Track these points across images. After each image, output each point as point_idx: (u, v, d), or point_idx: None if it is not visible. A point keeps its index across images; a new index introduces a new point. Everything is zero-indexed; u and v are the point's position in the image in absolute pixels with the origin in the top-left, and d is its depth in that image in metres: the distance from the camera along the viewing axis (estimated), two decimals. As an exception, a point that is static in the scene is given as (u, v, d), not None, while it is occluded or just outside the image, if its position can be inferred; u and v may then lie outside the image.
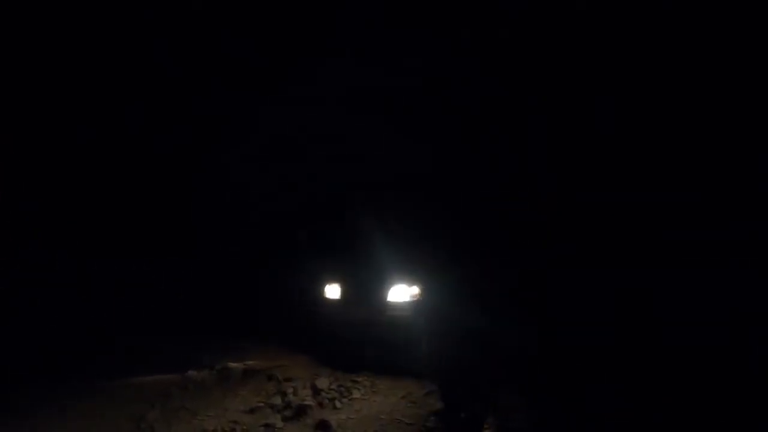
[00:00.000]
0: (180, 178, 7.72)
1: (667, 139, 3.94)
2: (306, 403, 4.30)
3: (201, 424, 4.03)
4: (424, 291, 5.04)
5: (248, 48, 7.01)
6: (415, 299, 5.13)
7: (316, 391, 4.58)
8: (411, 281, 5.20)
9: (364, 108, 7.39)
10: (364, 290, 5.40)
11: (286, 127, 7.89)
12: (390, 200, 6.62)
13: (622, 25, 4.47)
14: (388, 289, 5.23)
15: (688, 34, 3.87)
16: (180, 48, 6.93)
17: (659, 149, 3.97)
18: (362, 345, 5.27)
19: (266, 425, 3.97)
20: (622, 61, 4.43)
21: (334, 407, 4.34)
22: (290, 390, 4.63)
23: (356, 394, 4.58)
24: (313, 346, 5.76)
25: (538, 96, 5.37)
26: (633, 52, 4.30)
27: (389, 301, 5.20)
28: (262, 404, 4.41)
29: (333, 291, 5.68)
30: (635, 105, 4.20)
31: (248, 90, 7.45)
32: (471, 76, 6.83)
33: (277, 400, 4.44)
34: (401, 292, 5.20)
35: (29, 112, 6.66)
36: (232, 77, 7.44)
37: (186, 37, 6.90)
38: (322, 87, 7.48)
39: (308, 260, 6.51)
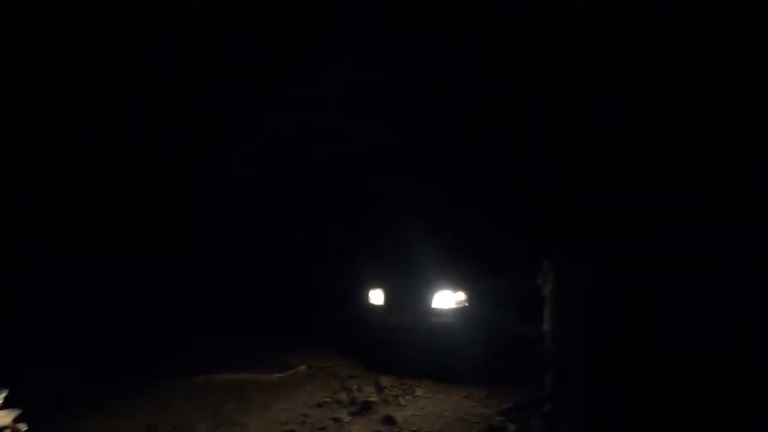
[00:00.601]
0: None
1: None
2: (371, 399, 4.57)
3: (274, 416, 4.26)
4: (470, 297, 5.30)
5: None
6: (460, 306, 5.28)
7: (379, 389, 4.86)
8: (455, 287, 5.37)
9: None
10: (408, 296, 5.55)
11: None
12: (433, 205, 6.77)
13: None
14: (432, 295, 5.39)
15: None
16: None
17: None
18: (407, 350, 5.40)
19: (334, 419, 4.20)
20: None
21: (399, 404, 4.58)
22: (355, 387, 4.91)
23: (419, 392, 4.84)
24: (359, 350, 5.89)
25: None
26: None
27: (433, 308, 5.35)
28: (329, 399, 4.67)
29: (377, 296, 5.82)
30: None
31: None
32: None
33: (343, 396, 4.72)
34: (446, 299, 5.36)
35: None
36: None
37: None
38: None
39: (354, 264, 6.65)
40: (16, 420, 2.72)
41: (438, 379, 5.04)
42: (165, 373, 5.15)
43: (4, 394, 2.66)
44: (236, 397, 4.61)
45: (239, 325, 6.88)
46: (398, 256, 6.22)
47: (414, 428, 3.99)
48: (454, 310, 5.28)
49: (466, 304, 5.30)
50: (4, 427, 2.66)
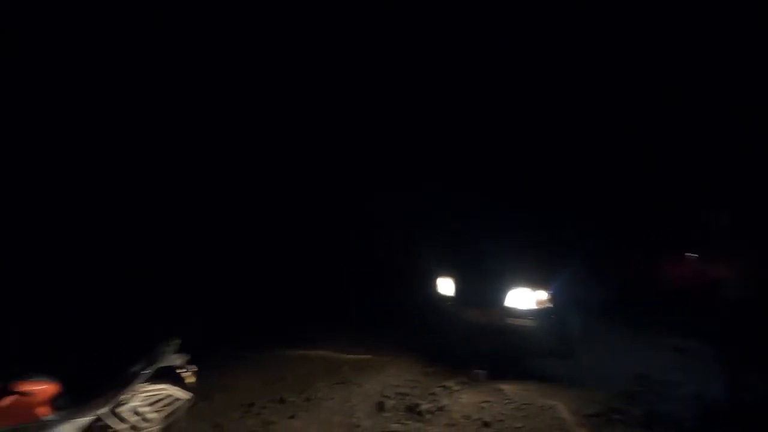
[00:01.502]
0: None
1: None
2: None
3: (385, 380, 4.49)
4: (554, 298, 4.55)
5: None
6: (541, 307, 4.58)
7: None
8: (536, 285, 4.64)
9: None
10: (481, 289, 4.92)
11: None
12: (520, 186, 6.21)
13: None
14: (507, 291, 4.70)
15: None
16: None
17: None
18: (481, 350, 4.87)
19: (443, 386, 4.29)
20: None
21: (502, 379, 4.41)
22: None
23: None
24: (427, 343, 5.36)
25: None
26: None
27: (508, 307, 4.67)
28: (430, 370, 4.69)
29: (446, 286, 5.22)
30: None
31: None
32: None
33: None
34: (523, 297, 4.65)
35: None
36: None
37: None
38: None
39: (423, 246, 6.24)
40: (188, 362, 3.16)
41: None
42: (282, 346, 5.41)
43: (178, 341, 3.13)
44: (327, 374, 4.67)
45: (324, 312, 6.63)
46: (472, 242, 5.55)
47: (525, 401, 3.92)
48: (535, 312, 4.58)
49: (549, 305, 4.62)
50: (179, 366, 3.10)
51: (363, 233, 7.62)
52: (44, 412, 2.57)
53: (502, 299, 4.70)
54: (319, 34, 7.17)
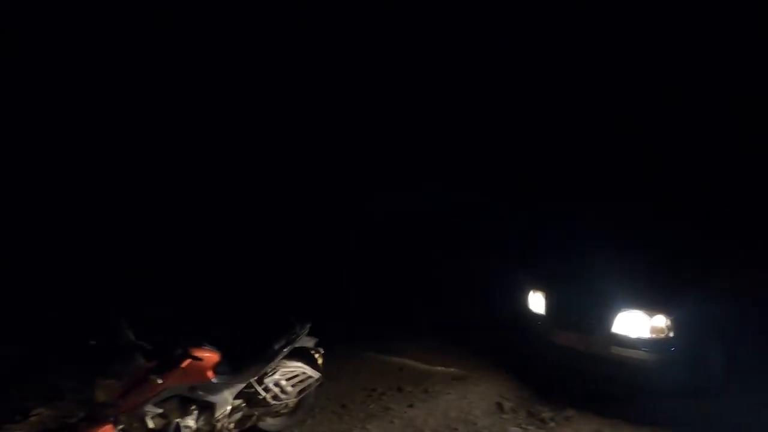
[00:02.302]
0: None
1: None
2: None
3: (475, 388, 4.12)
4: (677, 326, 3.58)
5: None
6: (659, 337, 3.62)
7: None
8: (653, 308, 3.67)
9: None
10: (580, 308, 4.03)
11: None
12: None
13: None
14: (616, 314, 3.76)
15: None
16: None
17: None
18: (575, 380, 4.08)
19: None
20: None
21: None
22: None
23: None
24: (512, 364, 4.64)
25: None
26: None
27: (615, 333, 3.74)
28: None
29: (537, 302, 4.41)
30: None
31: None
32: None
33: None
34: (636, 323, 3.69)
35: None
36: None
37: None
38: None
39: (512, 254, 5.60)
40: (316, 345, 3.56)
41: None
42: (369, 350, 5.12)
43: (309, 325, 3.46)
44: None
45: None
46: (571, 251, 4.64)
47: None
48: (650, 343, 3.60)
49: (670, 335, 3.60)
50: (311, 348, 3.50)
51: (419, 237, 6.88)
52: (211, 376, 3.02)
53: (606, 323, 3.77)
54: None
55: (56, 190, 6.02)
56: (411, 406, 3.86)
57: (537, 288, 4.43)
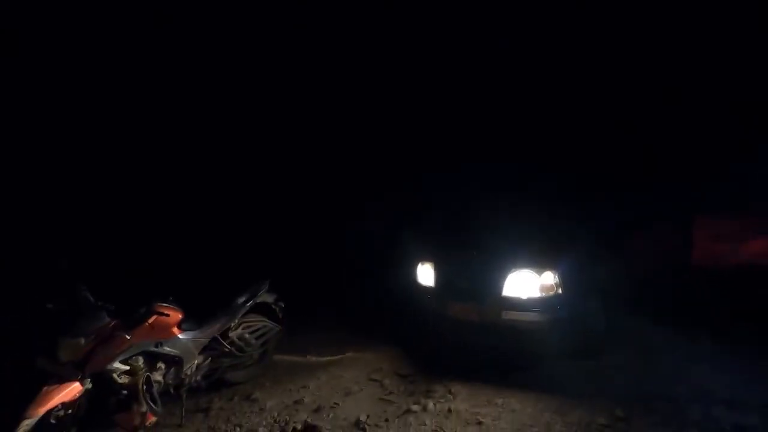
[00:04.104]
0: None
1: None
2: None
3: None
4: (566, 281, 3.42)
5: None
6: (548, 294, 3.43)
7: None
8: (540, 265, 3.48)
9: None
10: (470, 275, 3.75)
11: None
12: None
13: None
14: (506, 276, 3.52)
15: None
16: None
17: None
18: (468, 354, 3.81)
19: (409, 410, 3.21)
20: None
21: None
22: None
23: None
24: (401, 343, 4.31)
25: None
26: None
27: (506, 297, 3.50)
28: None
29: (426, 274, 4.07)
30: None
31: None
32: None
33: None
34: (526, 282, 3.48)
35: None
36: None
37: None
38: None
39: (396, 226, 5.31)
40: (276, 300, 3.76)
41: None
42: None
43: (268, 281, 3.70)
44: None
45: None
46: (458, 217, 4.41)
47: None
48: (541, 302, 3.41)
49: (558, 292, 3.43)
50: (271, 303, 3.69)
51: (343, 218, 6.52)
52: (177, 332, 3.14)
53: (497, 287, 3.53)
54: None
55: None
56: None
57: (425, 259, 4.10)
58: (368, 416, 3.10)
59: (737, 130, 4.89)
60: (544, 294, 3.42)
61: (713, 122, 5.01)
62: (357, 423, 3.04)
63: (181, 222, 5.99)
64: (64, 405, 2.65)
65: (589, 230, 3.79)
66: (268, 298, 3.69)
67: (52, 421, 2.61)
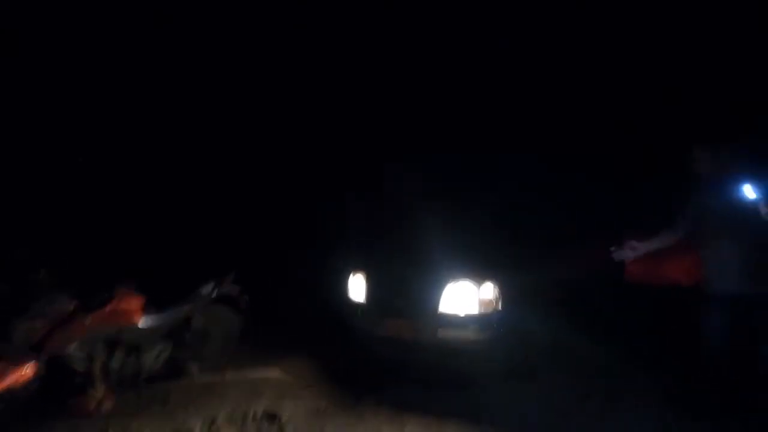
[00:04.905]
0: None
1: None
2: None
3: None
4: (507, 294, 3.11)
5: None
6: (487, 310, 3.08)
7: None
8: (481, 275, 3.13)
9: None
10: (404, 288, 3.34)
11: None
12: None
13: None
14: (443, 288, 3.15)
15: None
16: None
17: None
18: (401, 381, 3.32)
19: None
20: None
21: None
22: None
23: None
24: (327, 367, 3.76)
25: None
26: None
27: (443, 313, 3.12)
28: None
29: (357, 287, 3.64)
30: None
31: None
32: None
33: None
34: (464, 296, 3.11)
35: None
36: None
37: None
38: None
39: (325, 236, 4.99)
40: (240, 292, 3.68)
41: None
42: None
43: (233, 273, 3.62)
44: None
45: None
46: (391, 227, 4.05)
47: None
48: (478, 318, 3.05)
49: (498, 308, 3.09)
50: (233, 295, 3.62)
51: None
52: (138, 320, 3.09)
53: (433, 302, 3.16)
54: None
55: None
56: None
57: (356, 270, 3.68)
58: None
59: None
60: (483, 310, 3.07)
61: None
62: None
63: (150, 210, 5.69)
64: (17, 387, 2.55)
65: (531, 236, 3.50)
66: (233, 291, 3.60)
67: (1, 404, 2.53)
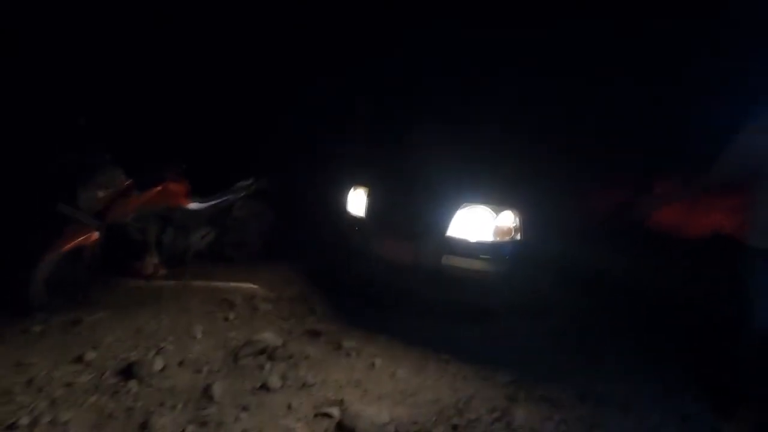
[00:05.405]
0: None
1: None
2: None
3: None
4: (528, 225, 2.70)
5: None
6: (504, 240, 2.70)
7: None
8: (500, 202, 2.74)
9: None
10: (410, 206, 2.97)
11: None
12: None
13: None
14: (454, 212, 2.77)
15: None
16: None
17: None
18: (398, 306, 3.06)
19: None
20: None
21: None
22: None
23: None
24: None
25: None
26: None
27: (451, 237, 2.75)
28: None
29: (357, 202, 3.28)
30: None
31: None
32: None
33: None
34: (478, 222, 2.73)
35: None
36: None
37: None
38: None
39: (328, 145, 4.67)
40: (275, 189, 4.03)
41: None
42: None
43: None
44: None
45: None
46: (402, 132, 3.62)
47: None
48: (492, 247, 2.73)
49: (516, 237, 2.76)
50: (269, 191, 3.96)
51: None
52: (186, 202, 3.42)
53: (442, 224, 2.79)
54: None
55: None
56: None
57: (358, 183, 3.30)
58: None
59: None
60: (498, 238, 2.72)
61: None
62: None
63: (201, 105, 5.54)
64: (82, 248, 2.82)
65: (558, 168, 3.11)
66: (269, 187, 3.91)
67: (68, 263, 2.77)
